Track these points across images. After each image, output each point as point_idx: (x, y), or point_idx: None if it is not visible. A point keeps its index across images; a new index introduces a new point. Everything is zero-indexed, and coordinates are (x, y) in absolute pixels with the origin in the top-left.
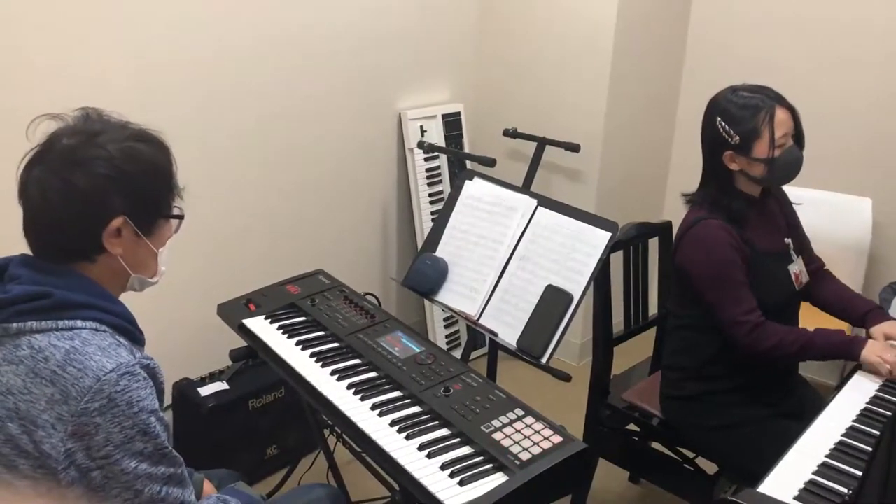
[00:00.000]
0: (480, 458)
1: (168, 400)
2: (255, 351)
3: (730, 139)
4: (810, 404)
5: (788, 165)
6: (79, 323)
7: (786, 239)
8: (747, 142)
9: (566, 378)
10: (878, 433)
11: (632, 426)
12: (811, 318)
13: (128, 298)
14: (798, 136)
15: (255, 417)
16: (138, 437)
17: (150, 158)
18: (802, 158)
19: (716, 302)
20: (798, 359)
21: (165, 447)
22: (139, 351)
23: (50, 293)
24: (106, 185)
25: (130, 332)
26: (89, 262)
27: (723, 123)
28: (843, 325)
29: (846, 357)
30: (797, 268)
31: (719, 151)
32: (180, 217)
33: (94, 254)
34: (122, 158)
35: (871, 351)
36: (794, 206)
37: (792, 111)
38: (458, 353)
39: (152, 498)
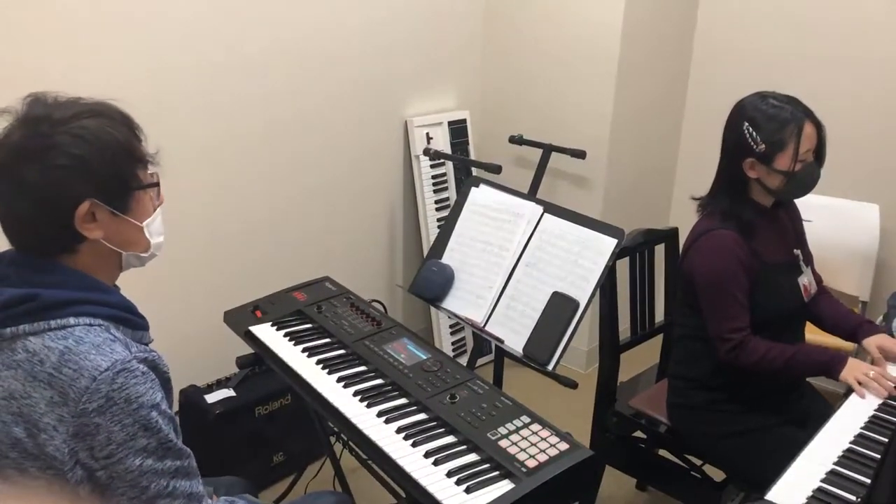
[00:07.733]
0: (487, 466)
1: (174, 406)
2: (262, 358)
3: (755, 146)
4: (818, 412)
5: (805, 181)
6: (71, 320)
7: (795, 250)
8: (771, 152)
9: (573, 385)
10: (886, 440)
11: (639, 433)
12: (810, 334)
13: (136, 303)
14: (819, 153)
15: (261, 424)
16: (140, 434)
17: (103, 135)
18: (819, 176)
19: (708, 312)
20: (783, 374)
21: (170, 440)
22: (136, 343)
23: (37, 295)
24: (60, 175)
25: (128, 319)
26: (74, 253)
27: (750, 130)
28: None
29: (827, 375)
30: (806, 279)
31: (741, 157)
32: (154, 185)
33: (75, 243)
34: (72, 143)
35: (850, 372)
36: (805, 222)
37: (818, 127)
38: (464, 360)
39: (159, 493)
